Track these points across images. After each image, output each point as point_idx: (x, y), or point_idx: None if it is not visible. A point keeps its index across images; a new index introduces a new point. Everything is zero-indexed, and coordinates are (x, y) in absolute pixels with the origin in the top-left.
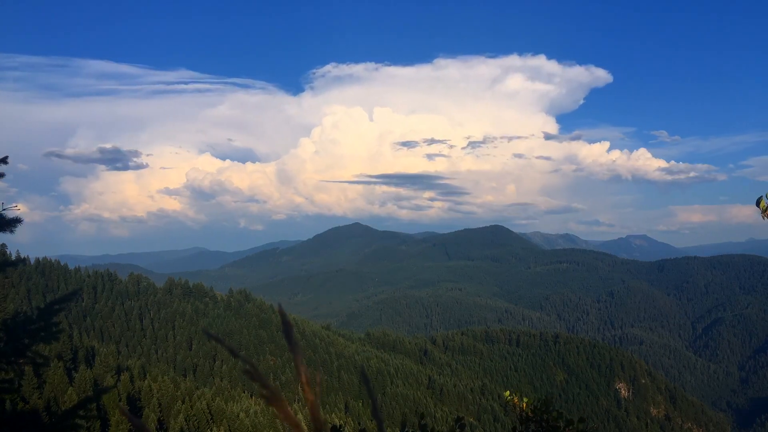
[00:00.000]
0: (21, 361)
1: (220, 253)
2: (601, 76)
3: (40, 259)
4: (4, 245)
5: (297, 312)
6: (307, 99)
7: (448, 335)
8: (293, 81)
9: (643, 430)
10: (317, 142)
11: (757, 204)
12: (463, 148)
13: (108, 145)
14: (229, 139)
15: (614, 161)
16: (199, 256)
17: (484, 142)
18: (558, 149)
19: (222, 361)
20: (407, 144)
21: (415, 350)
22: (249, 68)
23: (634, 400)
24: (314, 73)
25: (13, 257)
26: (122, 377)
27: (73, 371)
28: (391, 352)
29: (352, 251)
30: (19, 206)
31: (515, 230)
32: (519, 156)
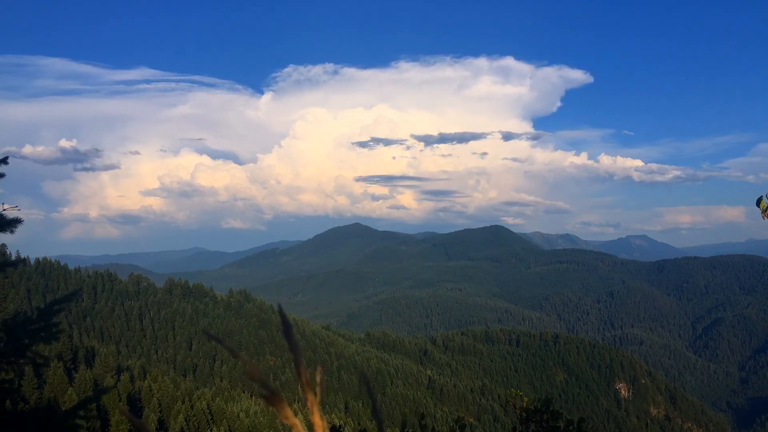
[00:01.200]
0: (21, 361)
1: (220, 253)
2: (579, 77)
3: (40, 259)
4: (4, 245)
5: (297, 312)
6: (270, 99)
7: (448, 335)
8: (258, 80)
9: (643, 430)
10: (286, 144)
11: (757, 204)
12: (425, 147)
13: (68, 145)
14: (200, 139)
15: (592, 163)
16: (199, 256)
17: (449, 140)
18: (524, 150)
19: (222, 361)
20: (368, 144)
21: (415, 350)
22: (211, 66)
23: (634, 400)
24: (277, 75)
25: (13, 257)
26: (122, 377)
27: (73, 371)
28: (391, 353)
29: (352, 251)
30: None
31: (514, 230)
32: (483, 155)
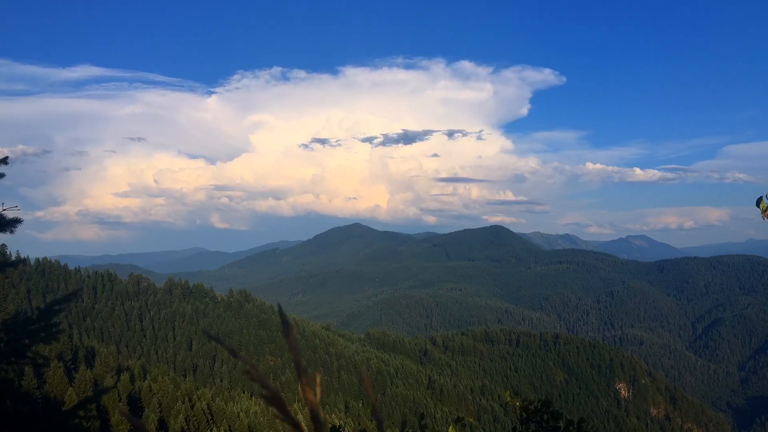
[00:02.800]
0: (21, 361)
1: (220, 253)
2: (551, 79)
3: (40, 260)
4: (4, 245)
5: (297, 312)
6: (219, 101)
7: (448, 335)
8: (208, 80)
9: (643, 430)
10: (243, 149)
11: (757, 204)
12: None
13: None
14: (140, 138)
15: (561, 165)
16: (199, 257)
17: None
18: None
19: (222, 361)
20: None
21: (415, 350)
22: (159, 65)
23: (634, 401)
24: (230, 78)
25: (13, 257)
26: (122, 377)
27: (73, 371)
28: (391, 353)
29: (352, 251)
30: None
31: (514, 230)
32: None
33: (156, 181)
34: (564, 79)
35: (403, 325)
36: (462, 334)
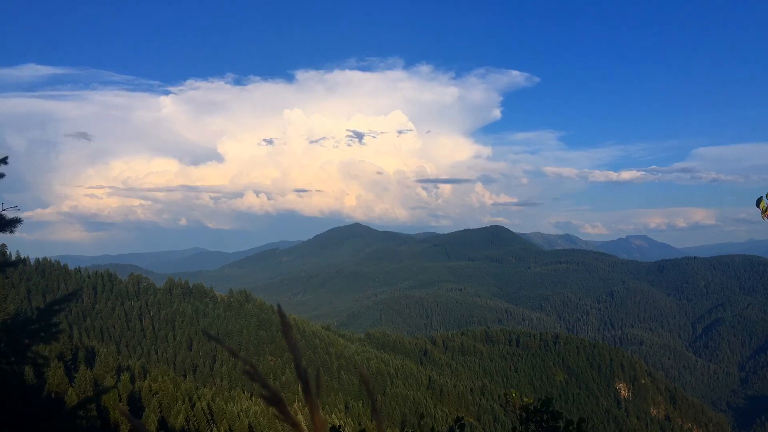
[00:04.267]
0: (21, 361)
1: (220, 253)
2: (522, 81)
3: (40, 260)
4: (4, 245)
5: (297, 312)
6: (172, 102)
7: (448, 335)
8: (162, 81)
9: (643, 430)
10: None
11: (757, 204)
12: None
13: None
14: (88, 135)
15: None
16: (199, 257)
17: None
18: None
19: (222, 361)
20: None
21: (415, 351)
22: (111, 63)
23: (634, 401)
24: (185, 82)
25: (13, 257)
26: (122, 377)
27: (73, 371)
28: (391, 353)
29: (352, 252)
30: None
31: (514, 230)
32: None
33: (122, 181)
34: (537, 79)
35: (403, 325)
36: (462, 334)
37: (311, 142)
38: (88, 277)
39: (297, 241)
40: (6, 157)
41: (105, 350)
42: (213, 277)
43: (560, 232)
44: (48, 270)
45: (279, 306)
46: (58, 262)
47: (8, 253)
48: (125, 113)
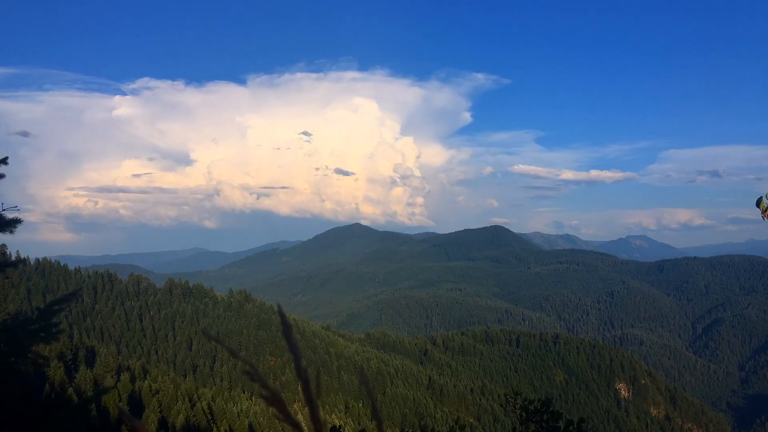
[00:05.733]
0: (21, 361)
1: (220, 253)
2: (488, 83)
3: (40, 260)
4: (4, 245)
5: (297, 312)
6: (130, 103)
7: (448, 336)
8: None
9: (643, 430)
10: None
11: (757, 204)
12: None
13: None
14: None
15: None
16: (199, 257)
17: None
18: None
19: (222, 361)
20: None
21: (415, 351)
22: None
23: (634, 401)
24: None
25: (13, 257)
26: (122, 377)
27: (73, 371)
28: (391, 353)
29: (352, 252)
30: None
31: (514, 230)
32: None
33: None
34: (507, 81)
35: (403, 325)
36: (462, 334)
37: (259, 145)
38: (88, 277)
39: (297, 241)
40: (6, 158)
41: (105, 350)
42: (213, 277)
43: (559, 233)
44: (48, 270)
45: (279, 306)
46: (58, 262)
47: (8, 253)
48: (76, 114)
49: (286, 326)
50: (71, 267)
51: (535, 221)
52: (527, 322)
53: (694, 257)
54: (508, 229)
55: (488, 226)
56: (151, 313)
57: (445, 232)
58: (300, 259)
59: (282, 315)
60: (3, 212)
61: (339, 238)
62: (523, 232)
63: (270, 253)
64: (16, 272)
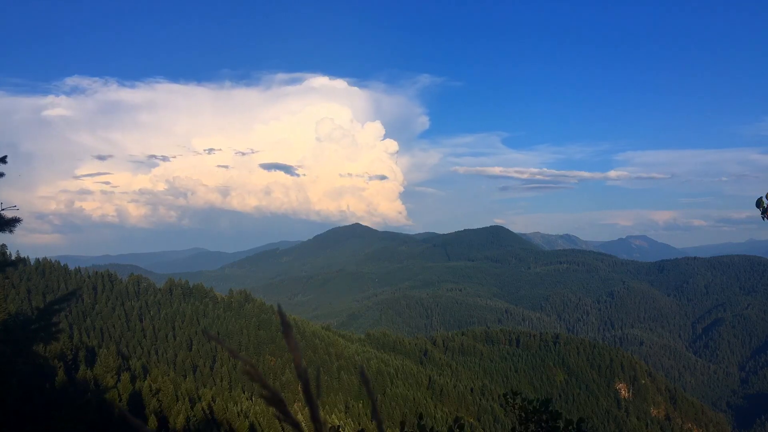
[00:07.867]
0: (21, 361)
1: (220, 253)
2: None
3: (40, 260)
4: (4, 245)
5: (297, 312)
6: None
7: (448, 336)
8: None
9: (643, 430)
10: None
11: (757, 205)
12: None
13: None
14: None
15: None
16: (199, 257)
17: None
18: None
19: (222, 361)
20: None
21: (415, 351)
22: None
23: (634, 401)
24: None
25: (13, 257)
26: (122, 377)
27: (73, 371)
28: (391, 353)
29: (352, 252)
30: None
31: (514, 230)
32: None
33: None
34: (459, 83)
35: (403, 325)
36: (462, 335)
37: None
38: (88, 277)
39: (297, 241)
40: (5, 157)
41: (105, 350)
42: (213, 277)
43: (559, 233)
44: (48, 270)
45: (279, 306)
46: (58, 262)
47: (8, 253)
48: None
49: (285, 326)
50: (71, 267)
51: (521, 219)
52: (527, 322)
53: (694, 257)
54: (508, 229)
55: (488, 226)
56: (151, 313)
57: (446, 232)
58: (300, 259)
59: (282, 315)
60: (2, 212)
61: (339, 238)
62: (523, 232)
63: (270, 254)
64: (16, 272)
